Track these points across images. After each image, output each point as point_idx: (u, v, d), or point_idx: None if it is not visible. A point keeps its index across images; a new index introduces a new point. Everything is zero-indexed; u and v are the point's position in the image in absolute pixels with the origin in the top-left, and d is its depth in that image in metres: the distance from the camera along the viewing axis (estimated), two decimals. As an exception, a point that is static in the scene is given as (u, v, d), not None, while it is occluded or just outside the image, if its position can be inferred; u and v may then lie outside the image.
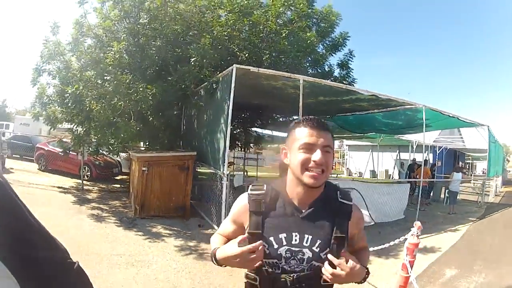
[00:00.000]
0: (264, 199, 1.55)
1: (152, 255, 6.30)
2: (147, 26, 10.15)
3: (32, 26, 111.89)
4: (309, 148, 1.48)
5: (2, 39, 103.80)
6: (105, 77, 9.25)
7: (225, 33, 10.39)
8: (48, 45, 10.35)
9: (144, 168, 8.83)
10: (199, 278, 5.47)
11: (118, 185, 14.25)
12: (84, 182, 12.55)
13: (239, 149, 18.73)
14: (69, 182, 13.04)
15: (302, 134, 1.51)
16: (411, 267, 4.33)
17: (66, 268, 1.12)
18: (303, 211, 1.54)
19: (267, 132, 20.77)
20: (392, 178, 24.57)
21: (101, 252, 6.17)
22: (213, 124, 9.37)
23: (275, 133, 20.67)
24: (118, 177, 16.04)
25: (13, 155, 17.65)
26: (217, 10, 11.02)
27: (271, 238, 1.50)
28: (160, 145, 11.04)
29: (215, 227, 8.21)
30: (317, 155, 1.46)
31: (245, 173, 10.47)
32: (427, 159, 20.54)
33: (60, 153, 13.08)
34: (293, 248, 1.50)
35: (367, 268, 1.61)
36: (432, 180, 15.73)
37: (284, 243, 1.50)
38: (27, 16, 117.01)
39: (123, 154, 13.08)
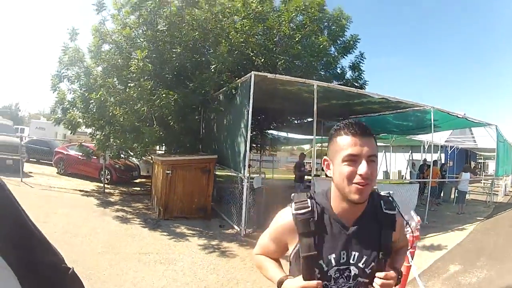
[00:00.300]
0: (312, 217, 1.49)
1: (178, 253, 6.76)
2: (166, 33, 10.52)
3: (43, 31, 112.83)
4: (353, 160, 1.40)
5: (14, 44, 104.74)
6: (128, 84, 9.66)
7: (241, 39, 10.73)
8: (67, 51, 10.88)
9: (168, 171, 9.21)
10: (223, 273, 5.94)
11: (138, 188, 14.68)
12: (105, 185, 12.99)
13: (255, 151, 19.09)
14: (89, 185, 13.48)
15: (345, 143, 1.42)
16: (412, 257, 4.71)
17: (61, 272, 1.18)
18: (350, 227, 1.50)
19: (282, 134, 21.29)
20: (404, 178, 24.78)
21: (130, 251, 6.64)
22: (233, 128, 9.79)
23: (290, 135, 21.19)
24: (137, 180, 16.47)
25: (30, 159, 18.01)
26: (232, 17, 11.39)
27: (321, 261, 1.47)
28: (182, 149, 11.45)
29: (235, 227, 8.84)
30: (363, 168, 1.38)
31: (264, 175, 10.94)
32: (437, 159, 20.85)
33: (80, 157, 13.62)
34: (341, 267, 1.49)
35: (399, 271, 1.66)
36: (441, 180, 16.05)
37: (333, 264, 1.47)
38: (38, 21, 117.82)
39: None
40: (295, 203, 1.53)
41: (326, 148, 1.59)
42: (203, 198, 9.73)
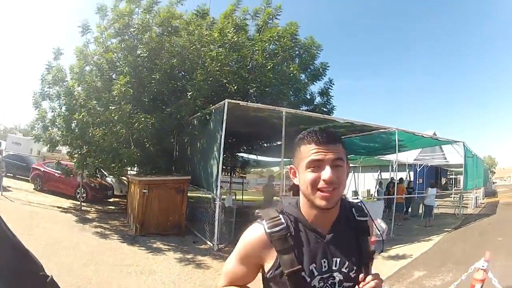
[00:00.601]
0: (289, 232, 1.46)
1: (156, 265, 7.53)
2: (146, 59, 11.30)
3: (20, 46, 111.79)
4: (317, 165, 1.41)
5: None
6: (109, 106, 10.43)
7: (216, 67, 11.52)
8: (51, 70, 11.62)
9: (145, 190, 10.01)
10: (199, 282, 6.81)
11: (113, 207, 15.42)
12: (81, 203, 13.64)
13: (225, 173, 19.84)
14: (66, 202, 14.13)
15: (308, 150, 1.44)
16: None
17: (40, 280, 1.22)
18: (326, 235, 1.49)
19: (252, 157, 22.16)
20: (373, 197, 25.87)
21: (112, 262, 7.42)
22: (206, 151, 10.64)
23: (260, 157, 22.23)
24: (111, 199, 17.10)
25: (7, 174, 18.10)
26: (209, 46, 12.14)
27: (303, 273, 1.43)
28: (156, 170, 12.09)
29: (208, 243, 9.63)
30: (326, 173, 1.38)
31: (235, 196, 11.76)
32: (406, 177, 22.05)
33: (57, 175, 14.37)
34: (324, 275, 1.46)
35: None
36: (407, 196, 17.14)
37: (316, 273, 1.45)
38: (14, 37, 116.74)
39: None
40: (266, 221, 1.49)
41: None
42: (177, 216, 10.53)
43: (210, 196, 10.00)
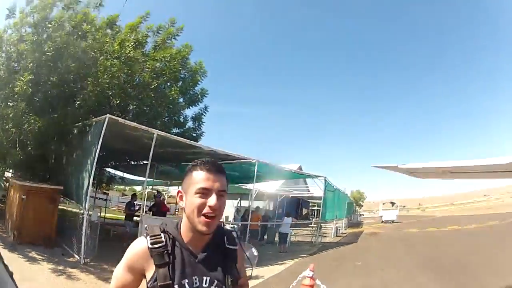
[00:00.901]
0: (166, 250, 1.69)
1: (34, 273, 8.72)
2: (50, 58, 11.93)
3: None
4: (205, 192, 1.67)
5: None
6: (8, 103, 11.16)
7: (107, 79, 12.55)
8: None
9: (23, 196, 10.78)
10: None
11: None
12: None
13: (92, 187, 20.28)
14: None
15: (199, 178, 1.70)
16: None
17: (10, 273, 1.34)
18: (198, 255, 1.76)
19: (118, 173, 22.85)
20: (230, 223, 27.50)
21: None
22: (80, 163, 11.81)
23: (126, 175, 23.18)
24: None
25: None
26: (106, 55, 13.08)
27: (176, 286, 1.65)
28: (32, 176, 12.92)
29: (76, 256, 10.70)
30: (212, 200, 1.64)
31: (100, 211, 12.57)
32: (265, 206, 24.86)
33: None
34: None
35: None
36: (262, 223, 19.53)
37: None
38: None
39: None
40: (150, 236, 1.74)
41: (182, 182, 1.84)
42: (49, 226, 11.31)
43: (77, 209, 11.12)
